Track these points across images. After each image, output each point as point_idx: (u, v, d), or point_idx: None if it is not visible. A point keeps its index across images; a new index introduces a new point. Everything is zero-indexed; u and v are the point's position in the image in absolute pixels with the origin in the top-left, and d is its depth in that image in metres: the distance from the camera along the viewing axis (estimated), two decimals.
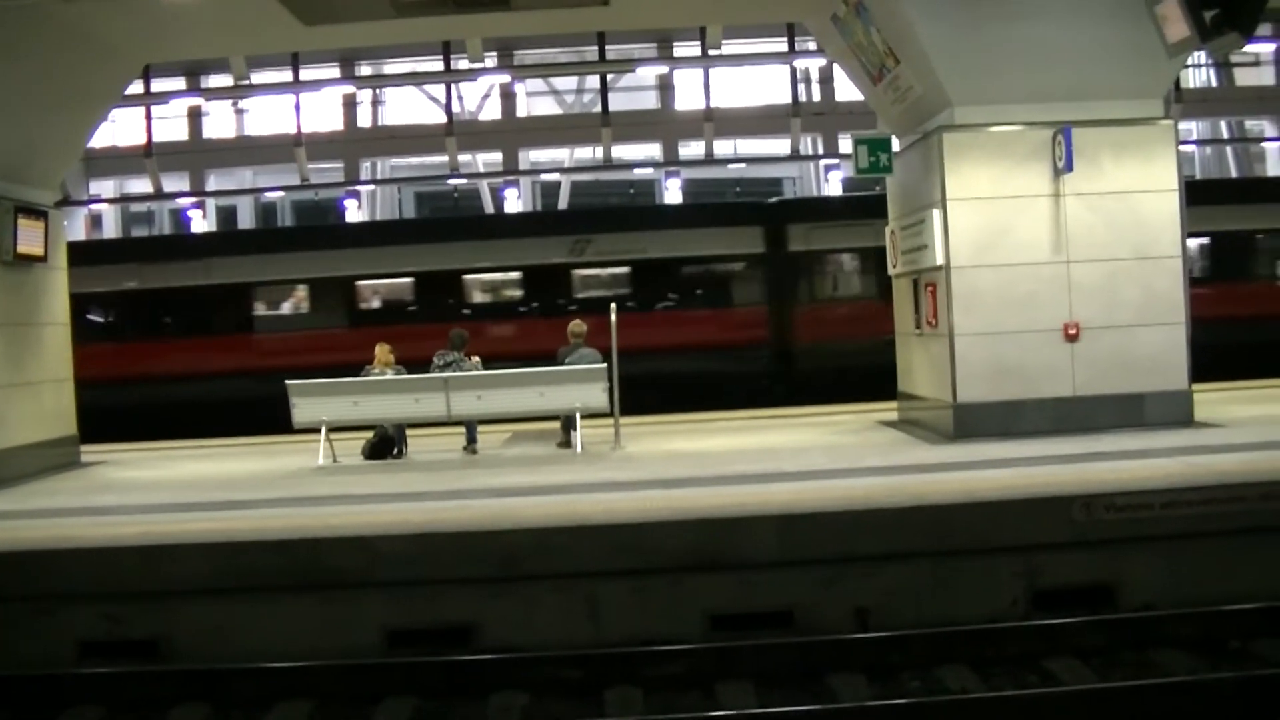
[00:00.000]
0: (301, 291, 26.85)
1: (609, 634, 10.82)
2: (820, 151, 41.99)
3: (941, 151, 16.25)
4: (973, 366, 16.18)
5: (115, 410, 23.11)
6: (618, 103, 39.92)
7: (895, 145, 17.90)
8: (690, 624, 10.88)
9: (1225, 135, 44.48)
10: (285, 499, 14.11)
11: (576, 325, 18.12)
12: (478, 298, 26.72)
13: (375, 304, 26.84)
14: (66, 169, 20.51)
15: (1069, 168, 15.73)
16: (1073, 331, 16.06)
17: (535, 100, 47.45)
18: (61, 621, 11.14)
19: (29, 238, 17.65)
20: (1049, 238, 16.20)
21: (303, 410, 16.94)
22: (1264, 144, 43.86)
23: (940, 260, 16.31)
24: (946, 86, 16.02)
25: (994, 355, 16.11)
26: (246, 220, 46.81)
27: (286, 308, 27.19)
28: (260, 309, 27.00)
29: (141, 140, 35.99)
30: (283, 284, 26.88)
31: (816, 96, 43.22)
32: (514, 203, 36.84)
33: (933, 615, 10.79)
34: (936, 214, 16.33)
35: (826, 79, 42.82)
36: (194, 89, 39.83)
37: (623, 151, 40.88)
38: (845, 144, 37.32)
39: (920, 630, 10.35)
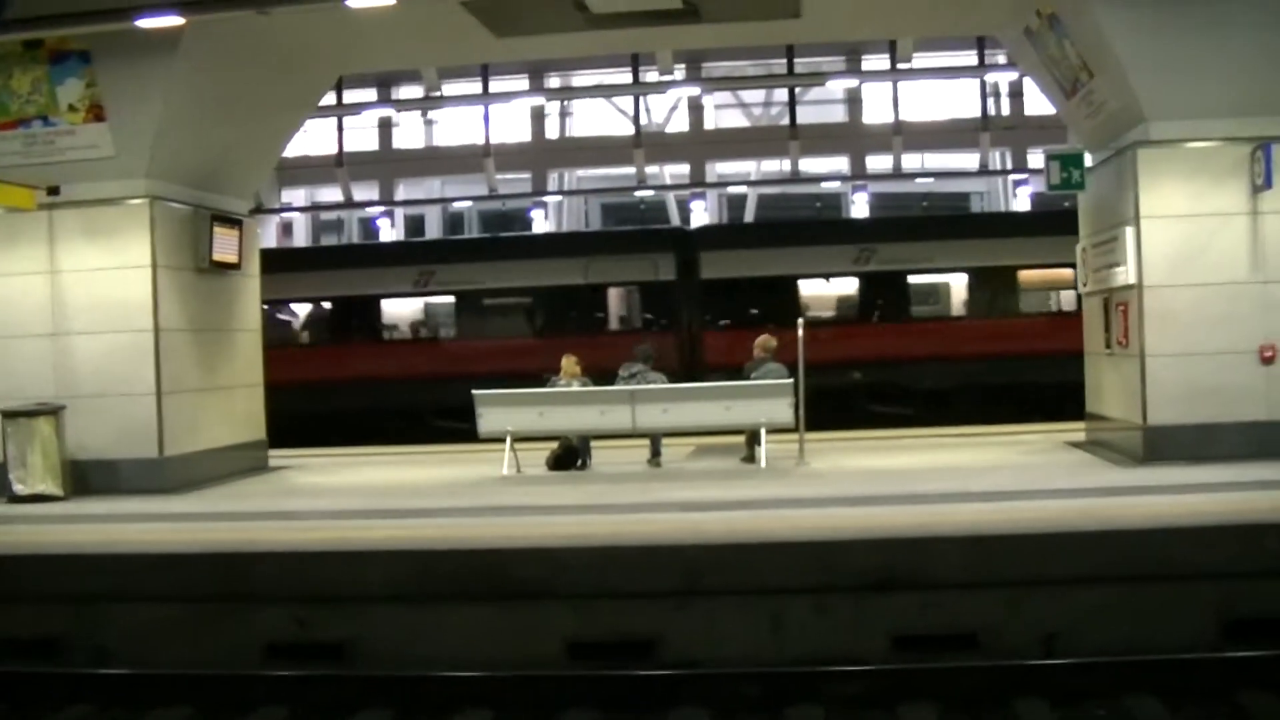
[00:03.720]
0: None
1: (791, 651, 10.73)
2: (1009, 166, 41.43)
3: (1136, 168, 15.81)
4: (1165, 388, 15.67)
5: None
6: (805, 116, 39.80)
7: (1088, 160, 17.45)
8: (873, 644, 10.74)
9: None
10: (471, 508, 14.31)
11: (765, 340, 17.92)
12: None
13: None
14: (262, 179, 20.93)
15: (1268, 185, 15.14)
16: (1269, 354, 15.48)
17: (723, 113, 47.45)
18: (250, 622, 11.34)
19: (224, 245, 18.04)
20: (1246, 257, 15.63)
21: (489, 420, 17.05)
22: None
23: (1133, 279, 15.87)
24: (1142, 100, 15.58)
25: (1187, 376, 15.56)
26: (434, 230, 47.41)
27: None
28: None
29: (333, 150, 36.80)
30: None
31: (1006, 110, 42.64)
32: (700, 214, 36.69)
33: (1121, 643, 10.49)
34: (1129, 231, 15.92)
35: (1016, 93, 42.21)
36: (385, 100, 40.64)
37: (809, 165, 40.69)
38: (1034, 159, 36.87)
39: (1108, 658, 10.03)
